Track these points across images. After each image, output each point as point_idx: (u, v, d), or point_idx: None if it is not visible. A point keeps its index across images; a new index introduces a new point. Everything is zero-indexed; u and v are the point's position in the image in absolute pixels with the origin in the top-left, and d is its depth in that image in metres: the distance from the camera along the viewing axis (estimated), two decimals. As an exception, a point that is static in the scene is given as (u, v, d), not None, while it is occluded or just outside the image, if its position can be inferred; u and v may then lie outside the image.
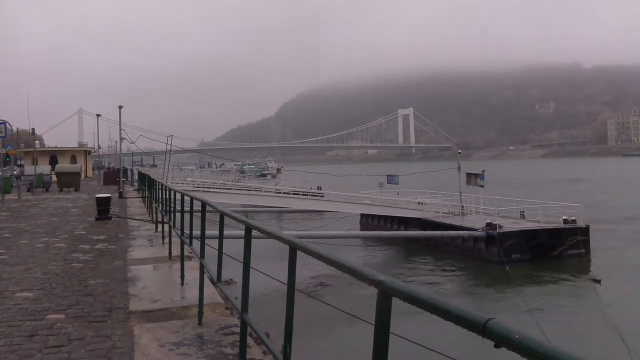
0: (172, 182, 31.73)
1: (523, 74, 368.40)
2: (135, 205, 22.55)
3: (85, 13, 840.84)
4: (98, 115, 42.68)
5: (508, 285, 22.45)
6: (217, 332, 5.85)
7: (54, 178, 34.43)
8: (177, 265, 8.66)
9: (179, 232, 9.02)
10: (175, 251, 9.66)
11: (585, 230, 27.46)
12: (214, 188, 36.71)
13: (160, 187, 14.22)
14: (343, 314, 9.74)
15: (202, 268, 6.23)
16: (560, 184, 78.41)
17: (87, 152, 57.06)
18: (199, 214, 6.54)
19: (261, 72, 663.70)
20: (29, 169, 38.73)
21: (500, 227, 27.05)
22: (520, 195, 39.19)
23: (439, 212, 32.94)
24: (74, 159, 49.89)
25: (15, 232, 14.20)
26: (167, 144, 34.78)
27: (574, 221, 27.73)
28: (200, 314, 6.23)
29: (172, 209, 10.61)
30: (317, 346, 15.41)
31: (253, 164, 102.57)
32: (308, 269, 21.09)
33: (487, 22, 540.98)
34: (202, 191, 32.97)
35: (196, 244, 7.13)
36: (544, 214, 29.44)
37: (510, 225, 28.16)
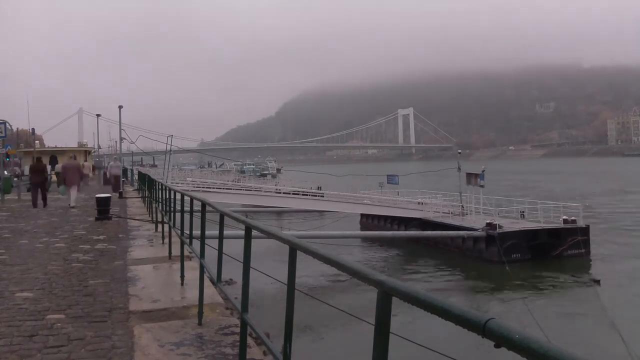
0: (172, 182, 31.74)
1: (523, 74, 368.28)
2: (135, 205, 22.54)
3: (86, 12, 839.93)
4: (98, 115, 42.73)
5: (508, 285, 22.46)
6: (217, 332, 5.85)
7: (54, 178, 34.40)
8: (177, 265, 8.66)
9: (179, 232, 9.02)
10: (175, 251, 9.65)
11: (585, 230, 27.47)
12: (214, 188, 36.73)
13: (160, 187, 14.22)
14: (343, 314, 9.75)
15: (202, 268, 6.23)
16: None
17: (87, 152, 57.06)
18: (199, 214, 6.54)
19: (262, 71, 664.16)
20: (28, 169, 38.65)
21: (500, 227, 27.06)
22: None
23: (439, 212, 32.94)
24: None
25: (15, 232, 14.19)
26: (167, 144, 34.83)
27: (574, 221, 27.74)
28: (200, 314, 6.23)
29: (172, 209, 10.61)
30: (317, 346, 15.41)
31: (253, 164, 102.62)
32: (308, 269, 21.08)
33: (487, 21, 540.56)
34: (202, 191, 32.99)
35: (196, 244, 7.12)
36: (544, 214, 29.46)
37: (510, 225, 28.17)
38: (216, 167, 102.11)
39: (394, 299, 2.01)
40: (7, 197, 25.83)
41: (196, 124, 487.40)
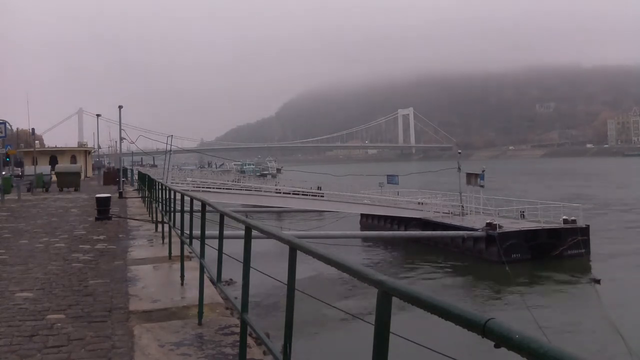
0: (172, 182, 31.72)
1: (523, 74, 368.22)
2: (135, 205, 22.55)
3: (85, 11, 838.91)
4: (98, 115, 42.59)
5: (508, 285, 22.45)
6: (217, 332, 5.85)
7: (54, 178, 34.43)
8: (177, 265, 8.66)
9: (179, 232, 9.02)
10: (175, 251, 9.65)
11: (585, 230, 27.45)
12: (214, 188, 36.69)
13: (160, 187, 14.22)
14: (343, 314, 9.76)
15: (202, 268, 6.23)
16: None
17: (87, 152, 57.07)
18: (199, 214, 6.54)
19: (261, 71, 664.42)
20: (29, 169, 38.70)
21: (500, 227, 27.05)
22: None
23: (439, 212, 32.94)
24: (74, 159, 49.89)
25: (15, 232, 14.19)
26: (167, 144, 34.80)
27: (574, 221, 27.73)
28: (200, 314, 6.23)
29: (172, 209, 10.61)
30: (317, 346, 15.41)
31: (253, 164, 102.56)
32: (308, 269, 21.07)
33: (486, 22, 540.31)
34: (202, 191, 32.95)
35: (196, 244, 7.13)
36: (544, 214, 29.45)
37: (510, 225, 28.16)
38: (216, 167, 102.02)
39: (394, 299, 2.01)
40: (7, 197, 25.84)
41: (196, 124, 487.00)
